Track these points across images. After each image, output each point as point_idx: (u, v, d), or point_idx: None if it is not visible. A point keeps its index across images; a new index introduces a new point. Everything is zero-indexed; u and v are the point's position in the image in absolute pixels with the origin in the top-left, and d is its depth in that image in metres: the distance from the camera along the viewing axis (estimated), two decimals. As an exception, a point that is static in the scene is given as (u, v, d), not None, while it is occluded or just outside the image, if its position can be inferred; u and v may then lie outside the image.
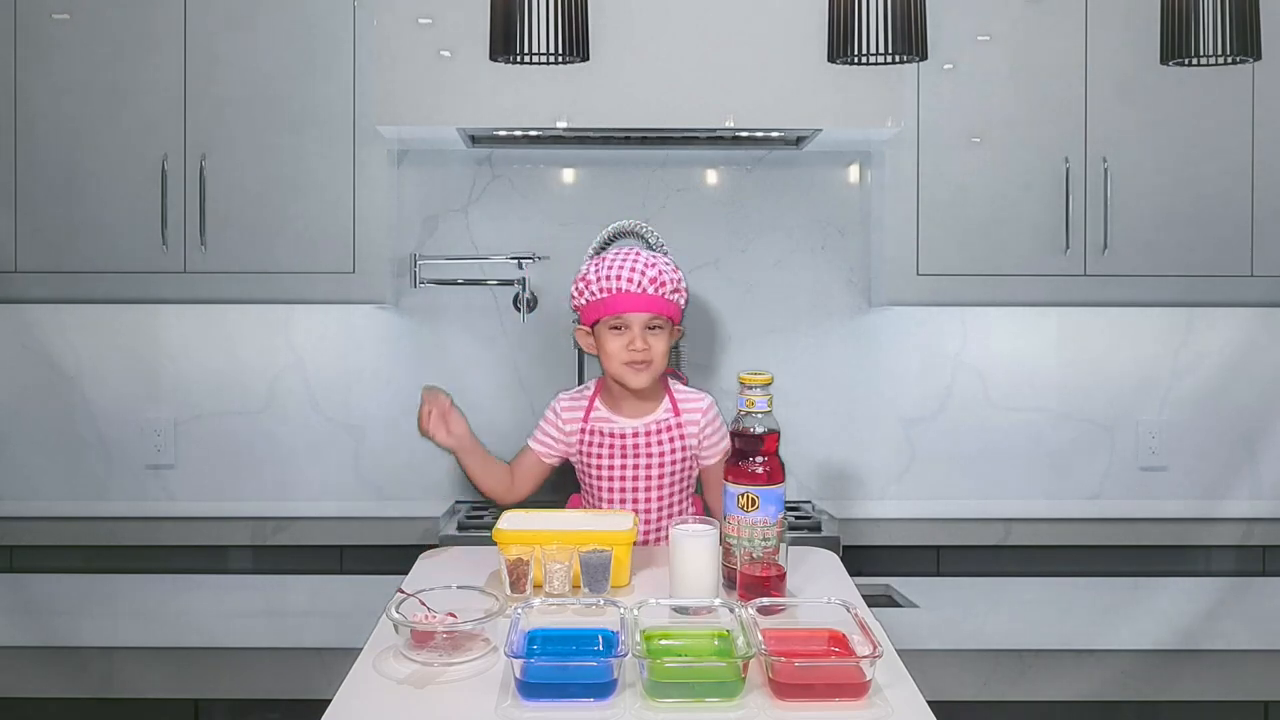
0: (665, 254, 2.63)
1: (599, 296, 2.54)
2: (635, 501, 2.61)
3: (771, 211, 3.39)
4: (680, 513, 2.64)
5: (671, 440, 2.60)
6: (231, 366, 3.39)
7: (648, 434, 2.60)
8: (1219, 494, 3.41)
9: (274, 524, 3.15)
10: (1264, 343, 3.43)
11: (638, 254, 2.57)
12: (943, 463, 3.42)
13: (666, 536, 2.62)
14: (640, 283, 2.52)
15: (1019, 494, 3.42)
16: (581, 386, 2.68)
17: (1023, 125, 3.11)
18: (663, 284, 2.53)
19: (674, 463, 2.60)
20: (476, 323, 3.39)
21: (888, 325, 3.41)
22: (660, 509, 2.63)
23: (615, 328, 2.53)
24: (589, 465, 2.64)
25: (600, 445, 2.61)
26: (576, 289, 2.58)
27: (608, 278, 2.53)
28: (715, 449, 2.62)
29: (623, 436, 2.59)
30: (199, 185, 3.06)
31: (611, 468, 2.61)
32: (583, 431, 2.63)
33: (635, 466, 2.60)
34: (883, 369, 3.41)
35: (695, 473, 2.65)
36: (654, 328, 2.54)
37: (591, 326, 2.57)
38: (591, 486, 2.66)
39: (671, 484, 2.62)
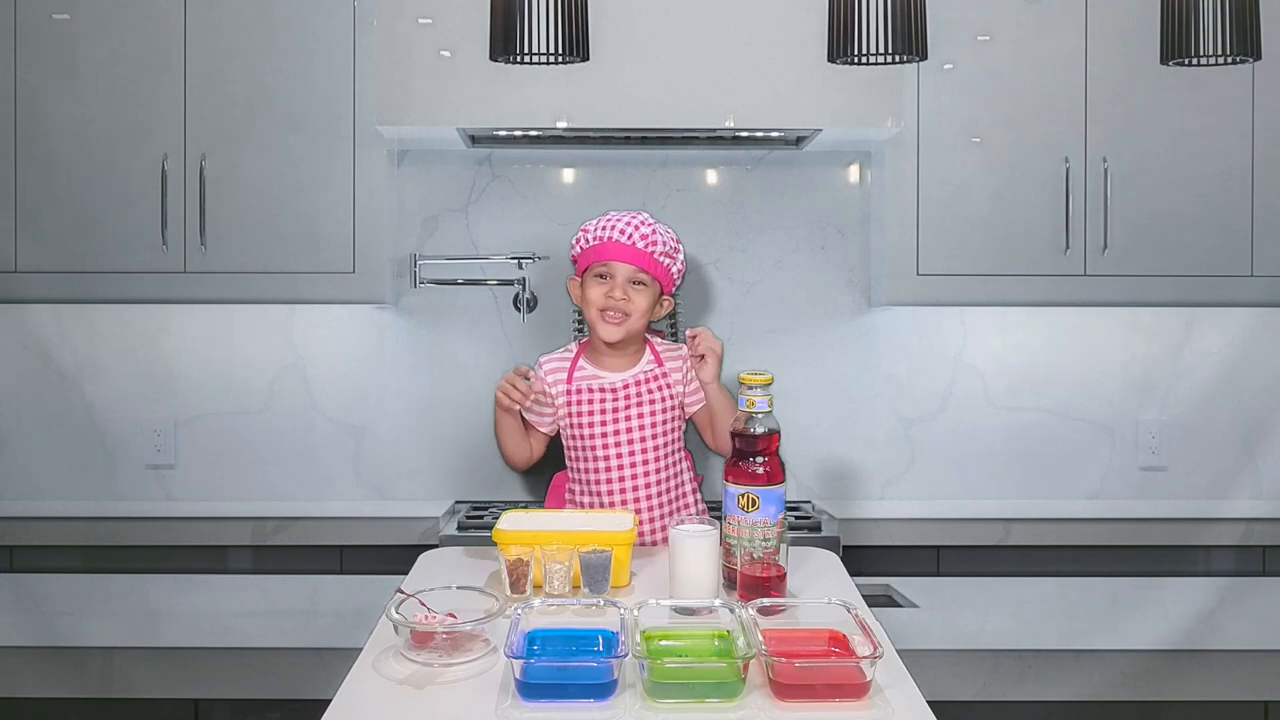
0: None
1: (592, 244, 2.65)
2: (633, 454, 2.64)
3: (771, 211, 3.38)
4: (674, 470, 2.67)
5: (660, 389, 2.65)
6: (231, 366, 3.39)
7: (636, 384, 2.65)
8: (1219, 494, 3.41)
9: (274, 524, 3.15)
10: (1264, 343, 3.43)
11: (639, 214, 2.69)
12: (943, 463, 3.42)
13: (662, 496, 2.65)
14: (631, 236, 2.63)
15: (1019, 494, 3.42)
16: (563, 349, 2.74)
17: (1023, 125, 3.11)
18: (654, 243, 2.63)
19: (664, 411, 2.65)
20: (476, 323, 3.39)
21: (888, 325, 3.41)
22: (656, 465, 2.64)
23: (600, 275, 2.61)
24: (579, 426, 2.66)
25: (589, 403, 2.65)
26: (576, 238, 2.70)
27: (603, 228, 2.65)
28: (699, 393, 2.69)
29: (613, 391, 2.64)
30: (199, 185, 3.06)
31: (604, 423, 2.64)
32: (569, 393, 2.66)
33: (627, 419, 2.63)
34: (883, 369, 3.41)
35: (683, 427, 2.72)
36: (638, 283, 2.60)
37: (582, 276, 2.66)
38: (583, 449, 2.67)
39: (665, 434, 2.66)
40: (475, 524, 3.07)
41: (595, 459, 2.65)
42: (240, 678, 2.66)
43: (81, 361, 3.38)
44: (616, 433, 2.64)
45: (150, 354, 3.38)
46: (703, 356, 2.61)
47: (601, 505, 2.66)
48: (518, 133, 3.09)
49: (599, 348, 2.68)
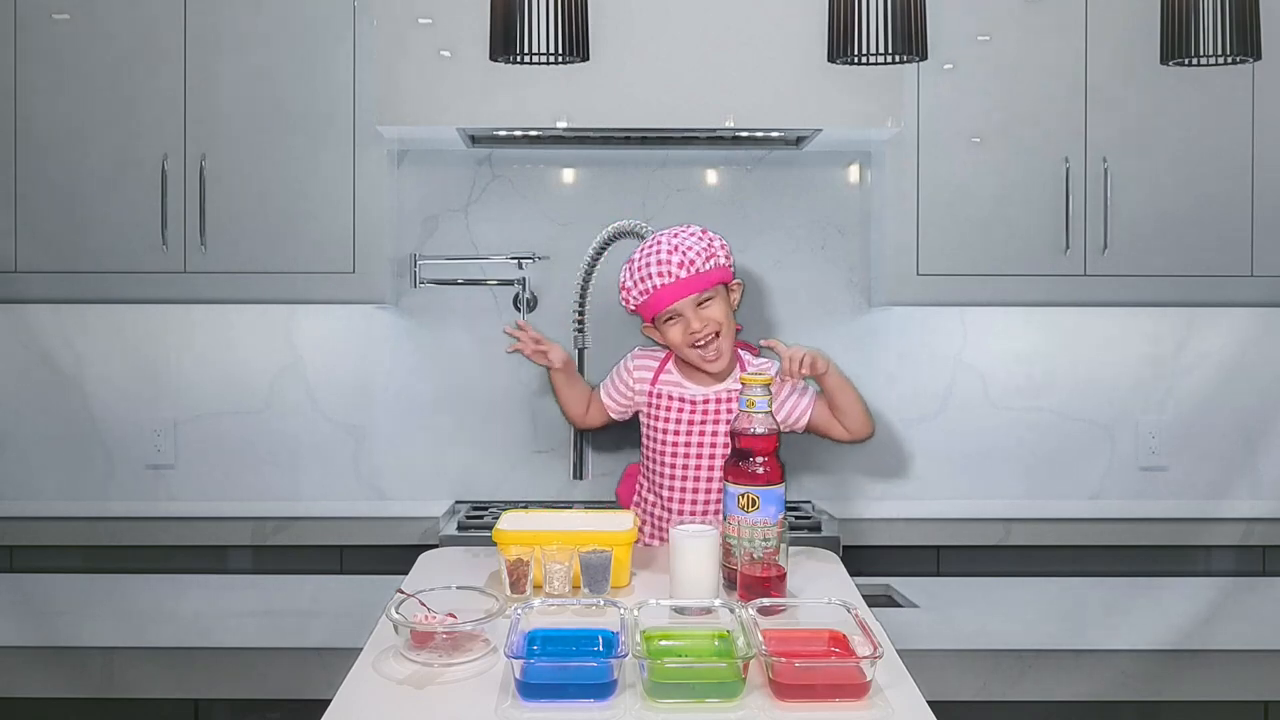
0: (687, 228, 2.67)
1: (643, 299, 2.62)
2: (699, 467, 2.65)
3: (771, 211, 3.38)
4: None
5: None
6: (231, 366, 3.38)
7: (718, 401, 2.64)
8: (1219, 494, 3.41)
9: (274, 524, 3.15)
10: (1264, 343, 3.43)
11: (658, 242, 2.63)
12: (942, 463, 3.42)
13: (720, 516, 2.65)
14: (671, 272, 2.58)
15: (1019, 494, 3.42)
16: (657, 348, 2.76)
17: (1023, 125, 3.10)
18: (692, 262, 2.58)
19: None
20: (476, 323, 3.38)
21: (888, 325, 3.40)
22: (720, 484, 2.63)
23: (669, 319, 2.59)
24: (654, 429, 2.69)
25: (668, 409, 2.66)
26: (622, 298, 2.67)
27: (643, 279, 2.61)
28: (800, 405, 2.67)
29: (692, 403, 2.65)
30: (199, 185, 3.06)
31: (677, 433, 2.65)
32: (650, 395, 2.68)
33: (702, 434, 2.64)
34: (883, 369, 3.41)
35: None
36: (704, 301, 2.58)
37: (652, 323, 2.66)
38: (656, 450, 2.69)
39: None
40: (475, 524, 3.07)
41: (664, 463, 2.68)
42: (240, 678, 2.66)
43: (81, 361, 3.38)
44: (688, 444, 2.65)
45: (150, 354, 3.38)
46: (805, 365, 2.54)
47: (663, 507, 2.70)
48: (518, 133, 3.09)
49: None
